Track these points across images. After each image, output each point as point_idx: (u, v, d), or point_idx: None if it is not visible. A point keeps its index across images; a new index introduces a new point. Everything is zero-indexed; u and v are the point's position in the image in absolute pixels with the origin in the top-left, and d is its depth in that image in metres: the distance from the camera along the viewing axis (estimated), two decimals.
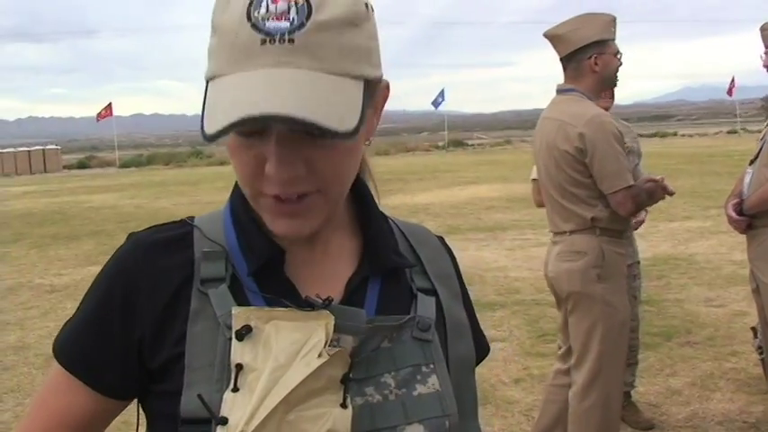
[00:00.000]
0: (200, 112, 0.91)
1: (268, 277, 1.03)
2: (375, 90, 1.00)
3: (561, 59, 3.68)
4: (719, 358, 5.63)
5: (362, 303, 1.04)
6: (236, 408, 0.92)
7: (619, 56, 3.65)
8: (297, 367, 0.94)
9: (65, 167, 42.91)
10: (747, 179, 4.00)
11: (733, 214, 4.02)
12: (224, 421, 0.92)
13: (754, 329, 4.48)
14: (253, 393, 0.92)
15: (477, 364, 1.19)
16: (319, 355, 0.94)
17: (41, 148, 43.92)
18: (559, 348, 4.05)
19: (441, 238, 1.23)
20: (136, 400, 1.09)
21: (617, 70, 3.67)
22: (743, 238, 4.12)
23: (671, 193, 3.58)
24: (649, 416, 4.63)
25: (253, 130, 0.93)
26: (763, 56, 3.85)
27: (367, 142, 1.06)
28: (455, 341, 1.11)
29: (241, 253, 1.04)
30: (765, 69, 3.82)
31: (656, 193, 3.56)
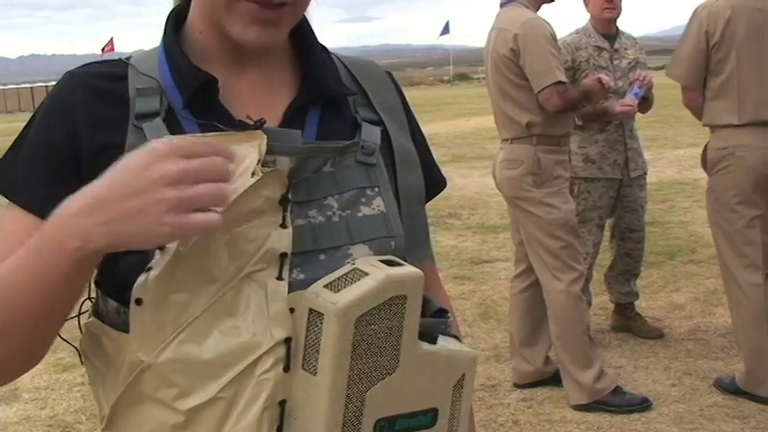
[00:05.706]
0: None
1: (203, 107, 1.01)
2: None
3: None
4: None
5: (302, 129, 1.03)
6: None
7: None
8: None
9: None
10: None
11: None
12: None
13: None
14: None
15: (435, 195, 1.20)
16: (253, 174, 0.93)
17: (44, 84, 43.69)
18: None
19: (388, 73, 1.21)
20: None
21: None
22: None
23: (606, 86, 3.69)
24: (657, 325, 4.68)
25: None
26: None
27: None
28: (404, 172, 1.10)
29: (176, 87, 1.02)
30: None
31: (594, 88, 3.70)
